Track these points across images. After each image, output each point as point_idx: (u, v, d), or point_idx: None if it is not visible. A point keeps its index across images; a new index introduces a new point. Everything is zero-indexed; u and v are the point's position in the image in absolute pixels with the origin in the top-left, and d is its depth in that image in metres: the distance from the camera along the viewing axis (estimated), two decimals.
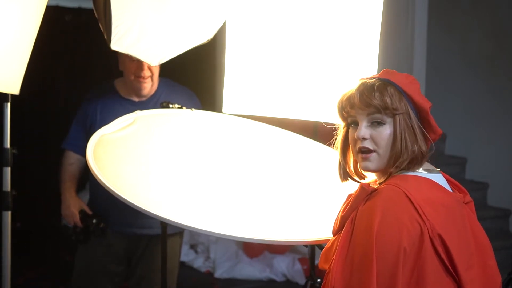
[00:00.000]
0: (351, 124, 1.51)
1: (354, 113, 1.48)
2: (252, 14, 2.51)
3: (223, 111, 2.59)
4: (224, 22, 2.55)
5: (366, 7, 2.26)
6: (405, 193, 1.39)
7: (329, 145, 1.65)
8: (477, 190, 4.86)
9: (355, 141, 1.49)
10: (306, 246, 2.14)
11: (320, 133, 2.66)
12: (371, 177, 1.59)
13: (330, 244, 1.55)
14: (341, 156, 1.58)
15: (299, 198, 2.11)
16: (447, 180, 1.53)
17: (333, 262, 1.42)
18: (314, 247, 2.23)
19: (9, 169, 2.34)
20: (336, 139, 1.60)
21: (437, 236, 1.37)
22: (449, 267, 1.38)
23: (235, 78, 2.57)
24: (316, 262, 2.60)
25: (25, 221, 5.09)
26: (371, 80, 1.48)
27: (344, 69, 2.30)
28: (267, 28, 2.45)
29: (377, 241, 1.33)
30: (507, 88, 4.78)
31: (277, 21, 2.42)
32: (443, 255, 1.38)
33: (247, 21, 2.52)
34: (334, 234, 1.54)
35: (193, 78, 5.24)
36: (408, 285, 1.34)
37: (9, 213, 2.33)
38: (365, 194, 1.44)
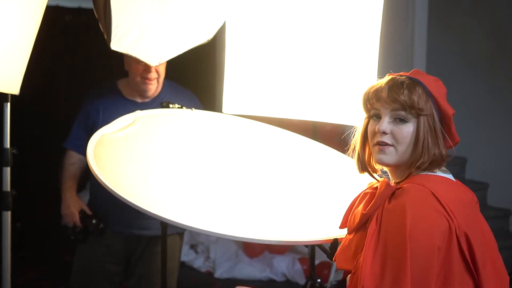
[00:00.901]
0: (373, 116, 1.51)
1: (379, 106, 1.48)
2: (252, 14, 2.51)
3: (223, 111, 2.59)
4: (224, 22, 2.55)
5: (366, 7, 2.26)
6: (432, 192, 1.39)
7: (347, 149, 1.64)
8: (477, 190, 4.86)
9: (374, 134, 1.49)
10: (306, 246, 2.14)
11: (320, 133, 2.66)
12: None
13: (347, 242, 1.53)
14: (360, 148, 1.57)
15: (299, 198, 2.11)
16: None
17: (360, 262, 1.41)
18: (314, 247, 2.23)
19: (9, 169, 2.34)
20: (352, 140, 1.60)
21: (464, 234, 1.38)
22: (471, 265, 1.39)
23: (235, 78, 2.57)
24: (316, 262, 2.60)
25: (25, 221, 5.08)
26: (401, 77, 1.49)
27: (344, 70, 2.30)
28: (267, 28, 2.45)
29: (411, 241, 1.32)
30: (507, 88, 4.78)
31: (277, 22, 2.43)
32: (467, 253, 1.38)
33: (247, 21, 2.52)
34: (350, 232, 1.53)
35: (193, 78, 5.24)
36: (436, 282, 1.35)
37: (9, 213, 2.33)
38: (390, 192, 1.43)
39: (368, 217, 1.46)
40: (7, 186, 2.34)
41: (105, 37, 2.34)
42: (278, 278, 4.51)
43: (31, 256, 4.75)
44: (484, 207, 4.82)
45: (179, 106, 2.50)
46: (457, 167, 5.07)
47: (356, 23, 2.28)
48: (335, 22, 2.31)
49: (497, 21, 4.85)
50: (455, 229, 1.37)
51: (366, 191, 1.54)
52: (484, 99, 4.94)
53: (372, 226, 1.42)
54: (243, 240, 1.85)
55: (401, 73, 1.52)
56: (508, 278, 1.50)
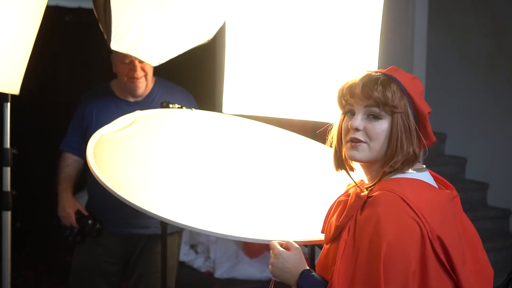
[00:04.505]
0: (348, 113, 1.50)
1: (353, 102, 1.47)
2: (252, 14, 2.51)
3: (223, 111, 2.59)
4: (224, 22, 2.55)
5: (366, 7, 2.26)
6: (402, 199, 1.38)
7: (322, 136, 1.64)
8: (477, 190, 4.86)
9: (348, 130, 1.48)
10: (306, 246, 2.13)
11: (319, 133, 2.66)
12: (359, 175, 1.57)
13: (325, 252, 1.53)
14: (337, 145, 1.55)
15: (299, 198, 2.11)
16: (433, 177, 1.52)
17: (334, 275, 1.39)
18: (314, 247, 2.23)
19: (9, 169, 2.34)
20: (329, 133, 1.59)
21: (437, 238, 1.37)
22: (447, 266, 1.39)
23: (235, 78, 2.57)
24: (316, 262, 2.60)
25: (25, 221, 5.08)
26: (376, 74, 1.47)
27: (344, 69, 2.30)
28: (267, 28, 2.45)
29: (385, 269, 1.31)
30: (507, 88, 4.78)
31: (277, 21, 2.42)
32: (442, 256, 1.38)
33: (247, 21, 2.52)
34: (327, 242, 1.52)
35: (193, 78, 5.24)
36: None
37: (9, 213, 2.33)
38: (361, 202, 1.42)
39: (341, 229, 1.45)
40: (7, 186, 2.34)
41: (105, 37, 2.35)
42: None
43: (31, 256, 4.74)
44: (484, 207, 4.82)
45: (179, 106, 2.51)
46: (457, 167, 5.07)
47: (356, 23, 2.28)
48: (335, 22, 2.31)
49: (497, 21, 4.85)
50: (427, 234, 1.36)
51: (340, 198, 1.53)
52: (484, 99, 4.93)
53: (344, 237, 1.41)
54: (243, 240, 1.85)
55: (377, 70, 1.50)
56: (492, 272, 1.49)
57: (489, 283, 1.48)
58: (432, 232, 1.36)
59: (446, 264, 1.38)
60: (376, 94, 1.43)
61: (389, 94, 1.43)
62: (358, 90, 1.45)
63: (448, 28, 5.21)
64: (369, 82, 1.44)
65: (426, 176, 1.48)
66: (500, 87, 4.83)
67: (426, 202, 1.40)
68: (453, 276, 1.39)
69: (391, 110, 1.43)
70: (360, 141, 1.45)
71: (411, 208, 1.37)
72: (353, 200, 1.44)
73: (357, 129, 1.45)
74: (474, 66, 5.02)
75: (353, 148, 1.46)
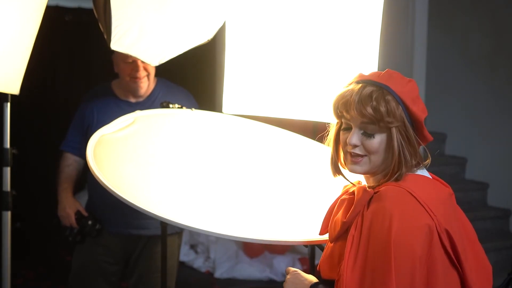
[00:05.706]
0: (344, 125, 1.50)
1: (348, 117, 1.47)
2: (252, 14, 2.51)
3: (223, 111, 2.59)
4: (224, 22, 2.55)
5: (366, 7, 2.26)
6: (410, 192, 1.39)
7: (321, 140, 1.65)
8: (477, 190, 4.86)
9: (346, 143, 1.49)
10: (306, 246, 2.14)
11: (319, 133, 2.66)
12: (356, 176, 1.58)
13: (329, 251, 1.52)
14: (333, 151, 1.57)
15: (299, 198, 2.11)
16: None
17: (342, 270, 1.40)
18: (314, 247, 2.23)
19: (9, 169, 2.34)
20: (328, 134, 1.59)
21: (444, 231, 1.39)
22: (454, 259, 1.40)
23: (235, 78, 2.57)
24: (316, 262, 2.60)
25: (25, 221, 5.08)
26: (370, 87, 1.45)
27: (344, 69, 2.30)
28: (267, 28, 2.45)
29: (395, 252, 1.33)
30: (507, 88, 4.78)
31: (277, 21, 2.43)
32: (449, 249, 1.40)
33: (247, 21, 2.52)
34: (332, 240, 1.52)
35: (193, 78, 5.24)
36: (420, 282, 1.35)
37: (9, 213, 2.33)
38: (368, 197, 1.43)
39: (348, 225, 1.45)
40: (7, 186, 2.34)
41: (105, 37, 2.35)
42: (278, 278, 4.51)
43: (31, 256, 4.74)
44: (484, 207, 4.82)
45: (179, 106, 2.51)
46: (457, 167, 5.07)
47: (356, 23, 2.28)
48: (335, 22, 2.31)
49: (497, 21, 4.85)
50: (436, 227, 1.38)
51: (343, 197, 1.53)
52: (484, 99, 4.93)
53: (351, 233, 1.42)
54: (243, 240, 1.85)
55: (371, 78, 1.48)
56: (491, 268, 1.51)
57: (489, 278, 1.50)
58: (440, 225, 1.38)
59: (453, 256, 1.40)
60: (370, 111, 1.42)
61: (383, 109, 1.42)
62: (352, 107, 1.44)
63: (448, 28, 5.21)
64: (363, 99, 1.43)
65: (425, 173, 1.51)
66: (500, 87, 4.83)
67: (431, 195, 1.42)
68: (459, 269, 1.41)
69: (387, 126, 1.43)
70: (360, 156, 1.46)
71: (418, 201, 1.38)
72: (360, 195, 1.44)
73: (355, 145, 1.46)
74: (474, 66, 5.02)
75: (354, 163, 1.48)
